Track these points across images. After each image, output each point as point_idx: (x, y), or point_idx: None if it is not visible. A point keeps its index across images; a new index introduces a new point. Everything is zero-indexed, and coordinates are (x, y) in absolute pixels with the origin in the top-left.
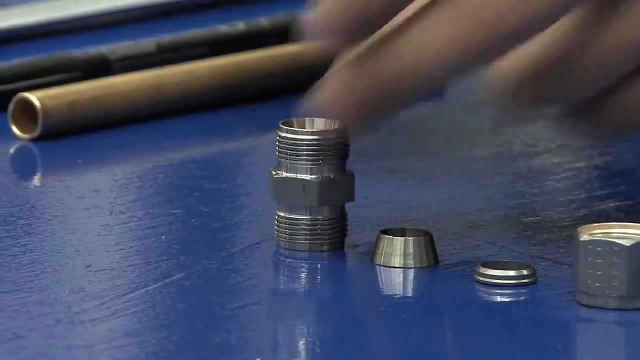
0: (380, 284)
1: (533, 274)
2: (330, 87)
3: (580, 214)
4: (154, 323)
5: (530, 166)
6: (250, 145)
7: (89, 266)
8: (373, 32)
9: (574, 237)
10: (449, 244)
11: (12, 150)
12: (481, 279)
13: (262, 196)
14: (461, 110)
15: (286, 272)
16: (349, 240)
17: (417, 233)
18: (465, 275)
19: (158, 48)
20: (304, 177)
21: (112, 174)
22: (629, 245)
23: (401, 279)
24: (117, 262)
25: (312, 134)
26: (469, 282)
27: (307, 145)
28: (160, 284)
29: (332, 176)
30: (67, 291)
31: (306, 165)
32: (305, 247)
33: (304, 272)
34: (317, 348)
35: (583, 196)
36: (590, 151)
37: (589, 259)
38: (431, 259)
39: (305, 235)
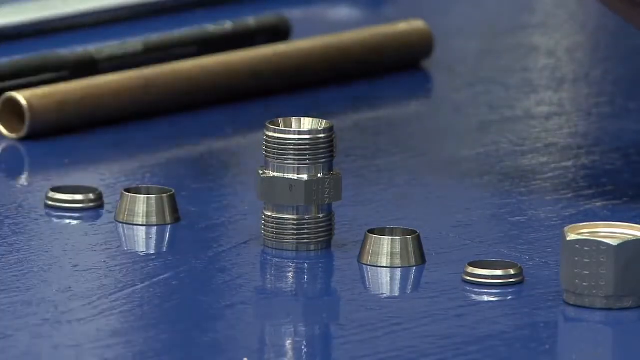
0: (367, 283)
1: (520, 274)
2: None
3: (567, 213)
4: (140, 322)
5: (517, 165)
6: (238, 145)
7: (76, 265)
8: None
9: (560, 237)
10: (436, 243)
11: None
12: (468, 278)
13: (249, 195)
14: (448, 110)
15: (273, 272)
16: (336, 239)
17: (404, 232)
18: (452, 275)
19: (145, 47)
20: (290, 176)
21: (98, 173)
22: (616, 244)
23: (388, 279)
24: (104, 261)
25: (299, 133)
26: (456, 281)
27: (294, 145)
28: (147, 283)
29: (319, 175)
30: (54, 290)
31: (293, 164)
32: (292, 246)
33: (290, 272)
34: (303, 347)
35: (570, 195)
36: (577, 150)
37: (576, 258)
38: (418, 259)
39: (292, 234)
